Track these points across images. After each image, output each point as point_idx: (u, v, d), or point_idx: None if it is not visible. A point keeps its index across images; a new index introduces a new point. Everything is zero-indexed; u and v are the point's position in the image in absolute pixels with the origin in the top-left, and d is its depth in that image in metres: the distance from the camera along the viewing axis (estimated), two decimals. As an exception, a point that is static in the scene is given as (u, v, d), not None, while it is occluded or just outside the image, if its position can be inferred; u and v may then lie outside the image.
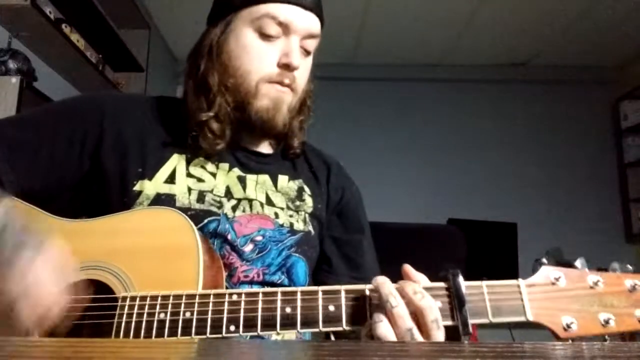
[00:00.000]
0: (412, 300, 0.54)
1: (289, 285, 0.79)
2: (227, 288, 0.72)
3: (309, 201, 0.87)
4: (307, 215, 0.85)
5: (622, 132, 3.96)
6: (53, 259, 0.58)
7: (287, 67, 0.79)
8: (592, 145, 4.02)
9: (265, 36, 0.79)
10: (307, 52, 0.83)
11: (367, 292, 0.57)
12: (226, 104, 0.80)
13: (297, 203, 0.85)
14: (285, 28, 0.79)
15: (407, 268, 0.59)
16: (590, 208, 3.87)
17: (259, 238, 0.78)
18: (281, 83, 0.80)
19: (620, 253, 3.73)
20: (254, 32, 0.79)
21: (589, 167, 3.97)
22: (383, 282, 0.56)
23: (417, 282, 0.57)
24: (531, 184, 3.92)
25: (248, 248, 0.77)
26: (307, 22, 0.80)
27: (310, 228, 0.85)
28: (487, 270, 2.85)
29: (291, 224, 0.82)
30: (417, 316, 0.54)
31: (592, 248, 3.49)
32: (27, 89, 2.07)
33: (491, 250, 3.04)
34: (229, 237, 0.76)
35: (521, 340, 0.42)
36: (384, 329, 0.53)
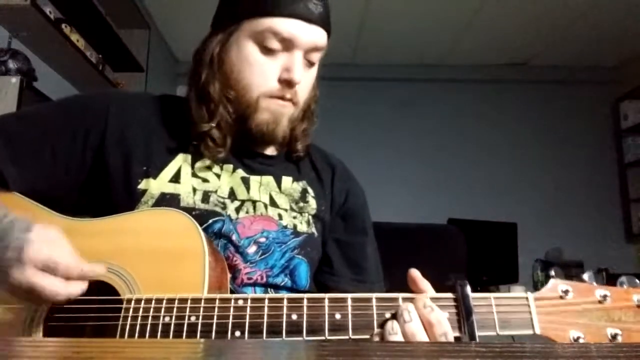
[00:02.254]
0: (423, 313, 0.54)
1: (292, 287, 0.79)
2: (230, 290, 0.72)
3: (312, 203, 0.86)
4: (310, 216, 0.85)
5: (622, 132, 3.96)
6: (46, 234, 0.60)
7: (288, 83, 0.78)
8: (592, 145, 4.02)
9: (267, 50, 0.77)
10: (311, 64, 0.82)
11: (374, 301, 0.57)
12: (227, 115, 0.80)
13: (301, 204, 0.85)
14: (288, 43, 0.77)
15: (414, 273, 0.59)
16: (590, 208, 3.87)
17: (263, 240, 0.78)
18: (282, 98, 0.79)
19: (620, 253, 3.73)
20: (255, 46, 0.78)
21: (589, 167, 3.97)
22: (397, 296, 0.57)
23: (424, 289, 0.58)
24: (531, 184, 3.92)
25: (251, 250, 0.77)
26: (311, 36, 0.78)
27: (314, 230, 0.84)
28: (487, 270, 2.86)
29: (295, 226, 0.82)
30: (427, 329, 0.54)
31: (592, 248, 3.51)
32: (27, 89, 2.07)
33: (491, 250, 3.04)
34: (233, 237, 0.76)
35: (521, 340, 0.42)
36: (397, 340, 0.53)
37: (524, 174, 3.95)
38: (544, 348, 0.39)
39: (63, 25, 2.39)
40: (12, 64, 2.07)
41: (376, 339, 0.55)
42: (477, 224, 3.02)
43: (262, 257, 0.77)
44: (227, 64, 0.80)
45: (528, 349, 0.38)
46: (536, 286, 3.21)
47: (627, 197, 3.90)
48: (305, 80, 0.81)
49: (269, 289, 0.78)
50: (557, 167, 3.96)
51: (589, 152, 4.00)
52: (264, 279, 0.77)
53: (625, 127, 3.92)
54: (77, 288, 0.59)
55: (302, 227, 0.83)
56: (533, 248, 3.24)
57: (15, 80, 2.03)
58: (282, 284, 0.78)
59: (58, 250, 0.59)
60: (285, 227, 0.81)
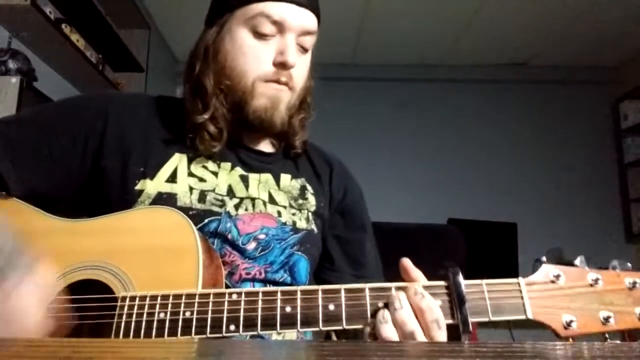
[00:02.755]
0: (414, 300, 0.55)
1: (291, 284, 0.80)
2: (227, 286, 0.72)
3: (311, 199, 0.87)
4: (310, 213, 0.85)
5: (622, 132, 3.96)
6: (39, 284, 0.57)
7: (283, 65, 0.78)
8: (592, 145, 4.02)
9: (260, 35, 0.78)
10: (304, 49, 0.82)
11: (367, 291, 0.57)
12: (221, 106, 0.80)
13: (300, 201, 0.85)
14: (280, 26, 0.78)
15: (406, 262, 0.59)
16: (590, 208, 3.87)
17: (262, 236, 0.78)
18: (278, 81, 0.79)
19: (621, 253, 3.73)
20: (248, 32, 0.79)
21: (589, 167, 3.97)
22: (390, 286, 0.57)
23: (416, 278, 0.58)
24: (531, 184, 3.92)
25: (251, 246, 0.77)
26: (302, 19, 0.79)
27: (313, 226, 0.85)
28: (487, 270, 2.86)
29: (294, 222, 0.82)
30: (418, 316, 0.54)
31: (592, 248, 3.50)
32: (27, 89, 2.07)
33: (491, 250, 3.04)
34: (230, 236, 0.76)
35: (521, 340, 0.42)
36: (388, 330, 0.54)
37: (524, 174, 3.95)
38: (544, 348, 0.39)
39: (63, 25, 2.39)
40: (12, 64, 2.07)
41: (368, 329, 0.55)
42: (477, 224, 3.02)
43: (262, 253, 0.78)
44: (221, 53, 0.81)
45: (528, 349, 0.38)
46: (536, 286, 3.19)
47: (627, 197, 3.90)
48: (300, 65, 0.82)
49: (267, 285, 0.78)
50: (557, 167, 3.97)
51: (589, 152, 4.00)
52: (263, 275, 0.77)
53: (625, 127, 3.92)
54: None
55: (302, 224, 0.83)
56: (533, 248, 3.24)
57: (15, 80, 2.03)
58: (282, 279, 0.79)
59: (27, 316, 0.56)
60: (285, 223, 0.81)
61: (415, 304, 0.54)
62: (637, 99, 3.87)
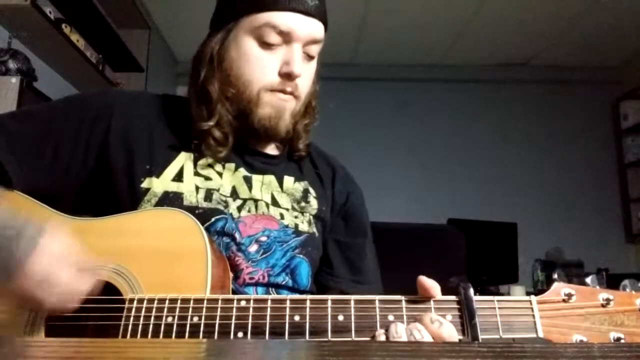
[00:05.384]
0: (431, 329, 0.54)
1: (293, 287, 0.79)
2: (232, 290, 0.72)
3: (314, 203, 0.87)
4: (311, 216, 0.85)
5: (622, 132, 3.96)
6: (55, 244, 0.58)
7: (288, 76, 0.78)
8: (592, 145, 4.02)
9: (266, 45, 0.78)
10: (310, 57, 0.82)
11: (377, 303, 0.57)
12: (227, 113, 0.80)
13: (302, 204, 0.85)
14: (287, 36, 0.77)
15: (422, 280, 0.58)
16: (590, 208, 3.87)
17: (264, 238, 0.78)
18: (283, 91, 0.79)
19: (621, 253, 3.73)
20: (254, 41, 0.78)
21: (589, 167, 3.97)
22: (400, 299, 0.57)
23: (434, 295, 0.57)
24: (531, 184, 3.91)
25: (253, 248, 0.77)
26: (309, 28, 0.79)
27: (315, 230, 0.85)
28: (487, 270, 2.86)
29: (296, 225, 0.82)
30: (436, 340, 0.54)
31: (592, 248, 3.51)
32: (27, 89, 2.07)
33: (491, 250, 3.04)
34: (237, 235, 0.76)
35: (521, 340, 0.42)
36: None
37: (523, 174, 3.95)
38: (544, 348, 0.39)
39: (63, 25, 2.39)
40: (12, 64, 2.07)
41: (383, 337, 0.54)
42: (477, 224, 3.02)
43: (263, 256, 0.77)
44: (226, 61, 0.81)
45: (528, 349, 0.38)
46: (536, 286, 3.21)
47: (627, 197, 3.90)
48: (306, 73, 0.81)
49: (270, 289, 0.78)
50: (557, 167, 3.96)
51: (589, 152, 4.00)
52: (266, 279, 0.77)
53: (625, 127, 3.92)
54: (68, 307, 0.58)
55: (304, 227, 0.83)
56: (533, 248, 3.24)
57: (15, 80, 2.03)
58: (284, 283, 0.79)
59: (58, 271, 0.57)
60: (287, 226, 0.81)
61: (436, 334, 0.54)
62: (637, 99, 3.87)
